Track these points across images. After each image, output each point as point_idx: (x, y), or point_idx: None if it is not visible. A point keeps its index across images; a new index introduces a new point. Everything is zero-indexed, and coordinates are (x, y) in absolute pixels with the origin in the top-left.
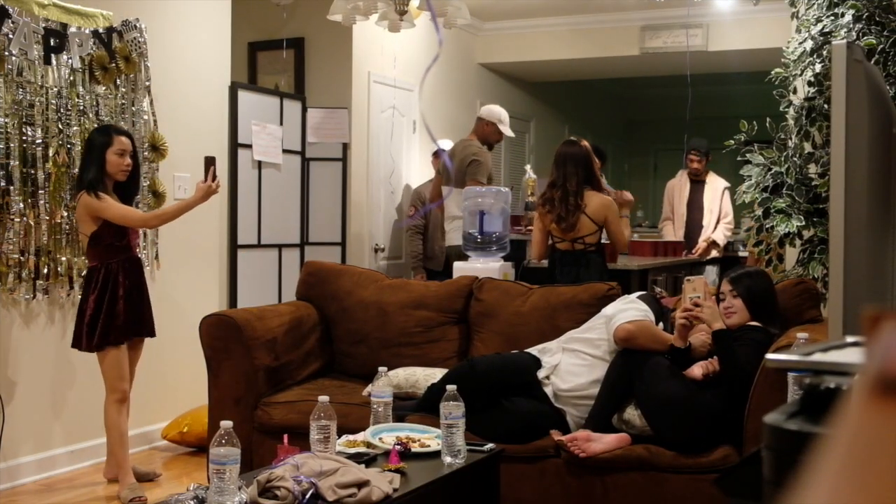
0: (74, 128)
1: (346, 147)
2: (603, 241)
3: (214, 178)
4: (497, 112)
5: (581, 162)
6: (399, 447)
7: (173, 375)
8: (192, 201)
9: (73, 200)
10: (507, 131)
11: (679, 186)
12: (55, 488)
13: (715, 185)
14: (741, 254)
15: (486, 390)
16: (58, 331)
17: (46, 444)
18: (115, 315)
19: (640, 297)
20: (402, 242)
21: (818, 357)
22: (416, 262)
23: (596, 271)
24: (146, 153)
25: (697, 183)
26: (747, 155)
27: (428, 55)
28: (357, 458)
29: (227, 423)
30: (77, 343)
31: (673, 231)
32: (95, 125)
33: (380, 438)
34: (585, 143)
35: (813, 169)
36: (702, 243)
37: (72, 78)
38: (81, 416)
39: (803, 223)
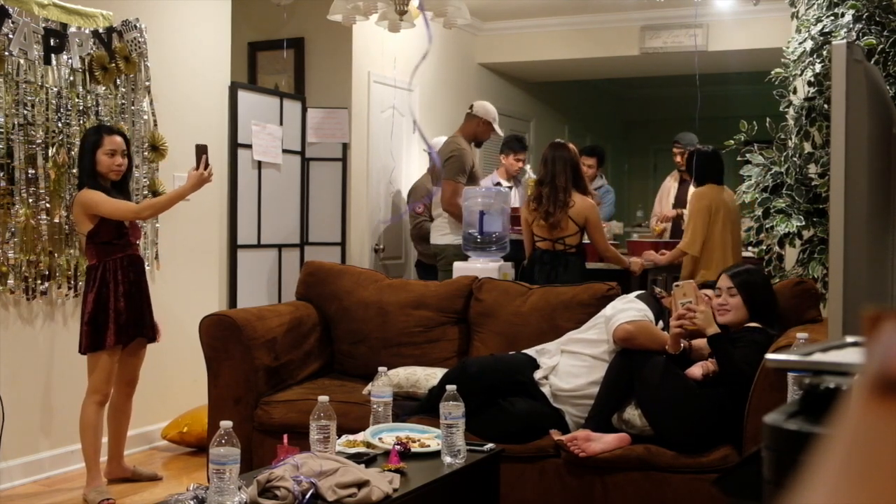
0: (74, 128)
1: (345, 147)
2: (584, 241)
3: (206, 165)
4: (492, 110)
5: (569, 163)
6: (399, 447)
7: (173, 375)
8: (183, 190)
9: (71, 201)
10: (500, 130)
11: (668, 186)
12: (55, 488)
13: None
14: (744, 254)
15: (479, 391)
16: (56, 331)
17: (45, 444)
18: (116, 312)
19: (638, 297)
20: (401, 242)
21: (818, 357)
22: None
23: (574, 273)
24: (146, 153)
25: (684, 181)
26: (747, 155)
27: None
28: (357, 458)
29: (227, 423)
30: (80, 347)
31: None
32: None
33: (380, 438)
34: (573, 146)
35: (813, 169)
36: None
37: (72, 78)
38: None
39: (803, 223)
